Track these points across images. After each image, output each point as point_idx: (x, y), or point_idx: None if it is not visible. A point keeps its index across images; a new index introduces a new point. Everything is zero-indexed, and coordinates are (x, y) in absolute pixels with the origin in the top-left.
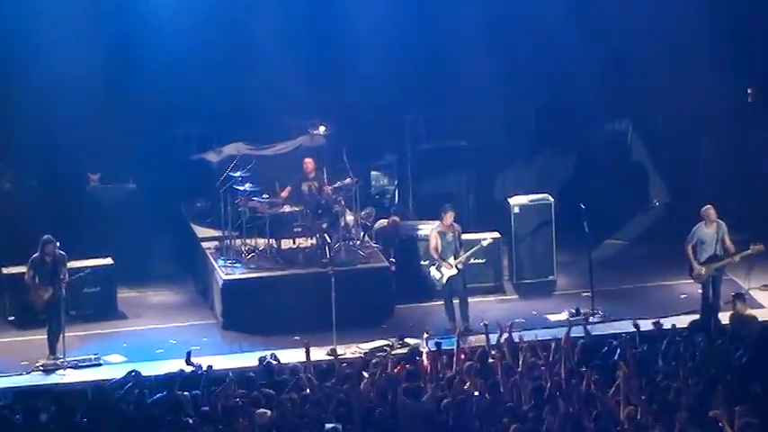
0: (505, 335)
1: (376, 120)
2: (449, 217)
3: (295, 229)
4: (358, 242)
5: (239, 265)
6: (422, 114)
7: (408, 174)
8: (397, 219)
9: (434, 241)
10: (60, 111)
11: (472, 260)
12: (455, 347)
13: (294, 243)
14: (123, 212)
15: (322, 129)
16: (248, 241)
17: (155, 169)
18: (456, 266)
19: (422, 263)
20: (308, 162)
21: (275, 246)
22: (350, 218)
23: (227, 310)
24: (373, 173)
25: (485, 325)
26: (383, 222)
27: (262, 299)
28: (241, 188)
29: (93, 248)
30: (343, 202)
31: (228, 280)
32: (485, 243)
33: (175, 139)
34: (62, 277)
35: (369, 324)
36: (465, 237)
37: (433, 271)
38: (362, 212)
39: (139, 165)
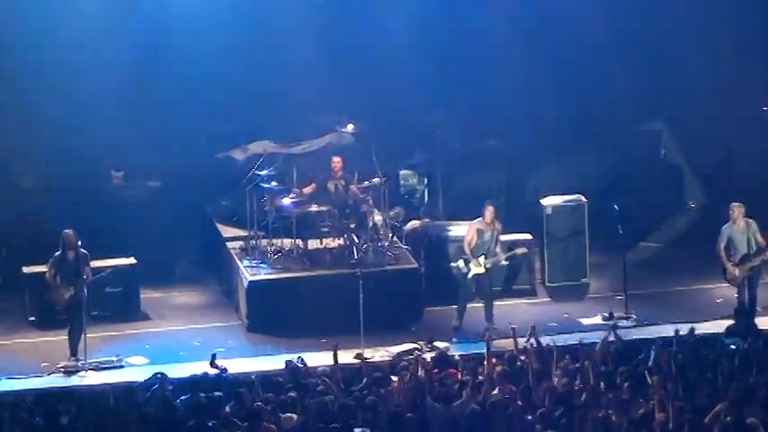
0: (532, 339)
1: (406, 118)
2: (489, 212)
3: (322, 229)
4: (386, 243)
5: (265, 265)
6: (452, 113)
7: (438, 173)
8: (427, 220)
9: (470, 236)
10: (83, 107)
11: (502, 263)
12: (485, 351)
13: (321, 243)
14: (147, 211)
15: (351, 127)
16: (274, 241)
17: (179, 167)
18: (485, 266)
19: (451, 264)
20: (337, 161)
21: (302, 246)
22: (378, 218)
23: (253, 312)
24: (402, 172)
25: (513, 328)
26: (415, 224)
27: (288, 300)
28: (267, 186)
29: (115, 247)
30: (371, 202)
31: (254, 281)
32: (519, 252)
33: (201, 137)
34: (84, 276)
35: (397, 327)
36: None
37: (461, 263)
38: (391, 212)
39: (164, 162)
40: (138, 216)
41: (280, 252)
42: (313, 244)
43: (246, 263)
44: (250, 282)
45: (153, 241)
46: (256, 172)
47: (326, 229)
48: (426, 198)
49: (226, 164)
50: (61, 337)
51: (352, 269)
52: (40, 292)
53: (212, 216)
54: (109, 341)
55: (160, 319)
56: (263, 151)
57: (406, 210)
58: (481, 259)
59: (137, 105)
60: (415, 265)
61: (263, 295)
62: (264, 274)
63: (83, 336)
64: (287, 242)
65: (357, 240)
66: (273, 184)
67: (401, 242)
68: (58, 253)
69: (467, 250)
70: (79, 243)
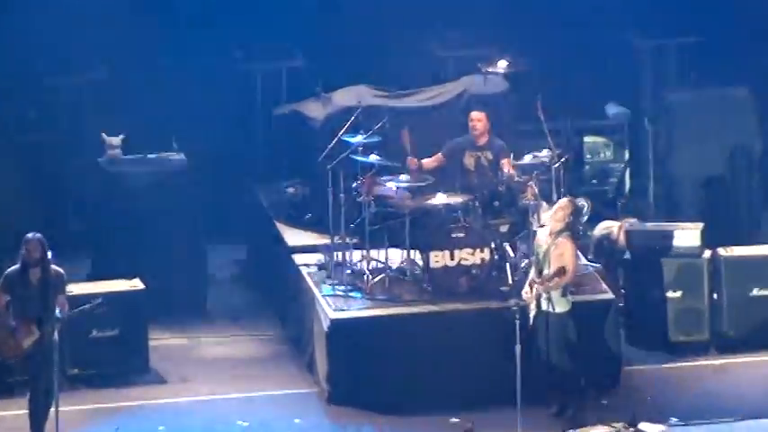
0: None
1: (594, 50)
2: (561, 211)
3: (453, 234)
4: None
5: (358, 294)
6: (672, 41)
7: (647, 141)
8: (631, 220)
9: None
10: (56, 33)
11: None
12: None
13: (452, 258)
14: (161, 201)
15: (502, 65)
16: (373, 254)
17: (216, 130)
18: (536, 301)
19: (668, 294)
20: (478, 119)
21: (420, 262)
22: (548, 216)
23: (337, 371)
24: (589, 139)
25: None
26: (610, 227)
27: (395, 352)
28: (363, 161)
29: (109, 262)
30: (536, 190)
31: (339, 320)
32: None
33: (248, 79)
34: (57, 310)
35: None
36: (732, 252)
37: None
38: None
39: (190, 122)
40: (145, 209)
41: (383, 272)
42: (438, 259)
43: (327, 290)
44: (333, 321)
45: (170, 251)
46: (344, 138)
47: (461, 234)
48: (628, 183)
49: (292, 124)
50: (17, 411)
51: (503, 302)
52: None
53: (270, 212)
54: (97, 418)
55: (181, 383)
56: (356, 104)
57: (594, 203)
58: (527, 288)
59: (141, 31)
60: (609, 295)
61: (355, 343)
62: (357, 309)
63: (53, 408)
64: (395, 255)
65: (512, 254)
66: (374, 158)
67: (586, 256)
68: (13, 269)
69: None
70: (49, 255)
